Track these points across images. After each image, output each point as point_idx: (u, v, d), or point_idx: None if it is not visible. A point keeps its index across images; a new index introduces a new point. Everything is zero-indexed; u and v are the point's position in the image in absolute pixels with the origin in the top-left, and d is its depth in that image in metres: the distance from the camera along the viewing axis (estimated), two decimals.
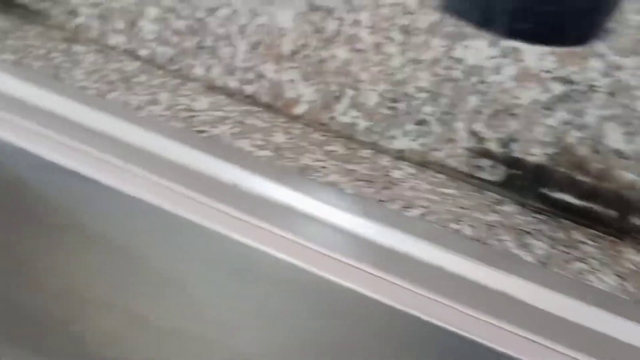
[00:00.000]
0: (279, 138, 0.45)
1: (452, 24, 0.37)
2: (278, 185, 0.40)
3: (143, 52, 0.51)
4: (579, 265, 0.38)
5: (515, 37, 0.21)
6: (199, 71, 0.49)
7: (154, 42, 0.50)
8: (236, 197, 0.39)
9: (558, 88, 0.38)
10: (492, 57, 0.39)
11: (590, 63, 0.37)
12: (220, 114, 0.47)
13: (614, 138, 0.38)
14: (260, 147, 0.44)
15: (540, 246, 0.39)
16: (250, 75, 0.48)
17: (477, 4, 0.21)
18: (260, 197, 0.40)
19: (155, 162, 0.41)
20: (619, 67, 0.36)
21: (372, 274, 0.36)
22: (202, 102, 0.48)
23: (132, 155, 0.41)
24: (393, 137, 0.45)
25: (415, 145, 0.44)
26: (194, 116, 0.46)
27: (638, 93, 0.36)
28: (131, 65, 0.51)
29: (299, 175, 0.41)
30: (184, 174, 0.41)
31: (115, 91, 0.47)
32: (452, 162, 0.44)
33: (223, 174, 0.41)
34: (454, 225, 0.40)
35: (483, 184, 0.43)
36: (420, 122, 0.43)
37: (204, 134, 0.44)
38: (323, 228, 0.38)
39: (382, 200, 0.41)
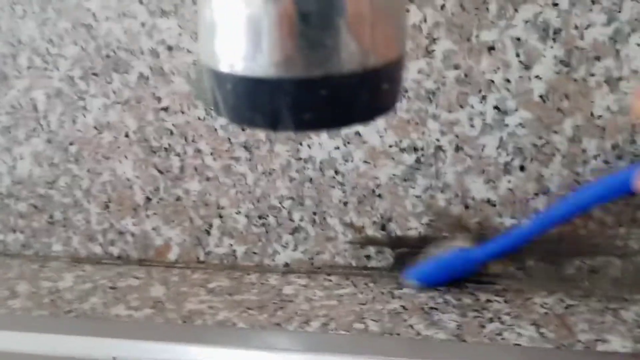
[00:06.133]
0: (157, 291, 0.42)
1: None
2: (161, 344, 0.36)
3: None
4: (493, 325, 0.36)
5: (306, 128, 0.19)
6: (57, 247, 0.46)
7: (1, 232, 0.46)
8: None
9: (408, 158, 0.38)
10: (337, 148, 0.39)
11: (428, 126, 0.37)
12: (87, 285, 0.42)
13: (478, 189, 0.38)
14: (137, 308, 0.40)
15: (451, 318, 0.37)
16: (112, 235, 0.44)
17: (253, 106, 0.19)
18: None
19: None
20: (453, 122, 0.37)
21: None
22: (67, 279, 0.43)
23: None
24: (275, 253, 0.43)
25: (298, 254, 0.42)
26: (59, 297, 0.41)
27: (480, 141, 0.37)
28: None
29: (185, 325, 0.37)
30: None
31: None
32: (340, 260, 0.42)
33: (98, 351, 0.37)
34: (358, 325, 0.37)
35: (377, 272, 0.41)
36: (295, 230, 0.42)
37: (72, 314, 0.39)
38: None
39: (278, 324, 0.37)
